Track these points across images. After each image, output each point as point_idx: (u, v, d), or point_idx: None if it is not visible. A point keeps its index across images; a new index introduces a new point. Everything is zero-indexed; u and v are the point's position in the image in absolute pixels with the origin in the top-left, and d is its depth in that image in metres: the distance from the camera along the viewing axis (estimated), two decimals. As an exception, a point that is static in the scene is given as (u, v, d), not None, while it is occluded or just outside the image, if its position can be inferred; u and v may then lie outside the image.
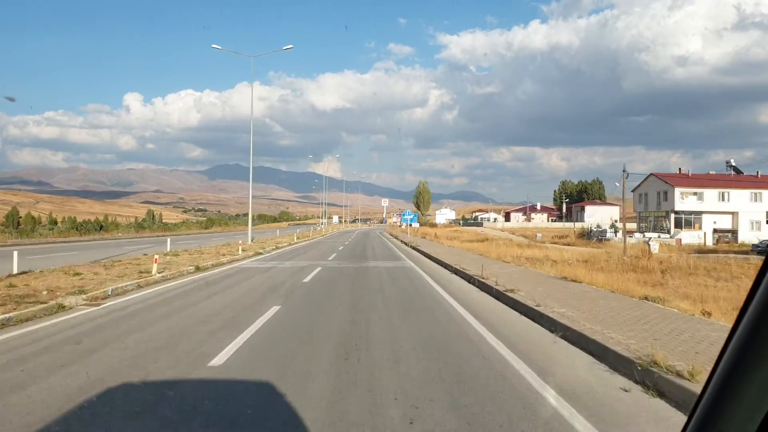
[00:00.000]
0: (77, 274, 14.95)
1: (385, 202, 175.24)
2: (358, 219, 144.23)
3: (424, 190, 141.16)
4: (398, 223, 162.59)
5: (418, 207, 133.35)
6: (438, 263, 21.53)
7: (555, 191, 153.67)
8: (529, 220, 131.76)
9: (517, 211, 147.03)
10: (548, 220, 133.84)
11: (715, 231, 64.01)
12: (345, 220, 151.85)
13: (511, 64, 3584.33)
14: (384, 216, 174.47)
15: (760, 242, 49.21)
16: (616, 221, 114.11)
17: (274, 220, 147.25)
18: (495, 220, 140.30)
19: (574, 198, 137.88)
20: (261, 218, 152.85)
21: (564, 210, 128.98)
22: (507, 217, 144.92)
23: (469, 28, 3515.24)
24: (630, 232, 54.20)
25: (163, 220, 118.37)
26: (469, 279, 15.06)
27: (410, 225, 56.18)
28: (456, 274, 17.19)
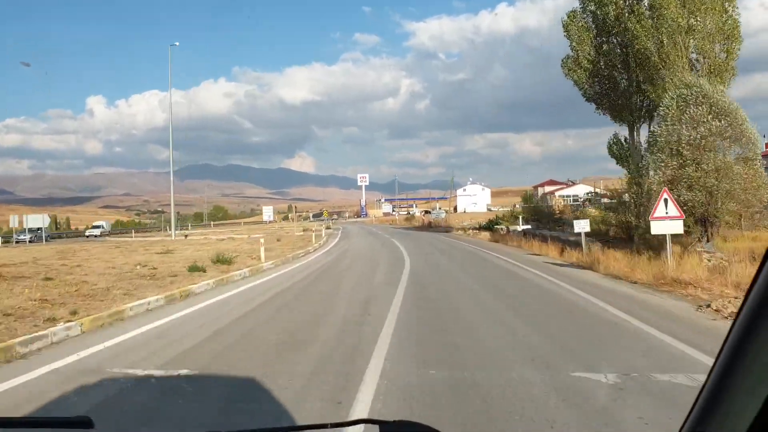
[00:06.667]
0: None
1: (363, 181, 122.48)
2: (325, 215, 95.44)
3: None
4: (395, 215, 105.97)
5: None
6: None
7: None
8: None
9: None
10: None
11: None
12: (301, 216, 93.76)
13: (481, 49, 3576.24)
14: (362, 205, 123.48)
15: None
16: None
17: (209, 218, 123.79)
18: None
19: None
20: (214, 216, 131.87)
21: None
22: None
23: (435, 14, 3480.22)
24: None
25: (71, 227, 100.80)
26: None
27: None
28: None
